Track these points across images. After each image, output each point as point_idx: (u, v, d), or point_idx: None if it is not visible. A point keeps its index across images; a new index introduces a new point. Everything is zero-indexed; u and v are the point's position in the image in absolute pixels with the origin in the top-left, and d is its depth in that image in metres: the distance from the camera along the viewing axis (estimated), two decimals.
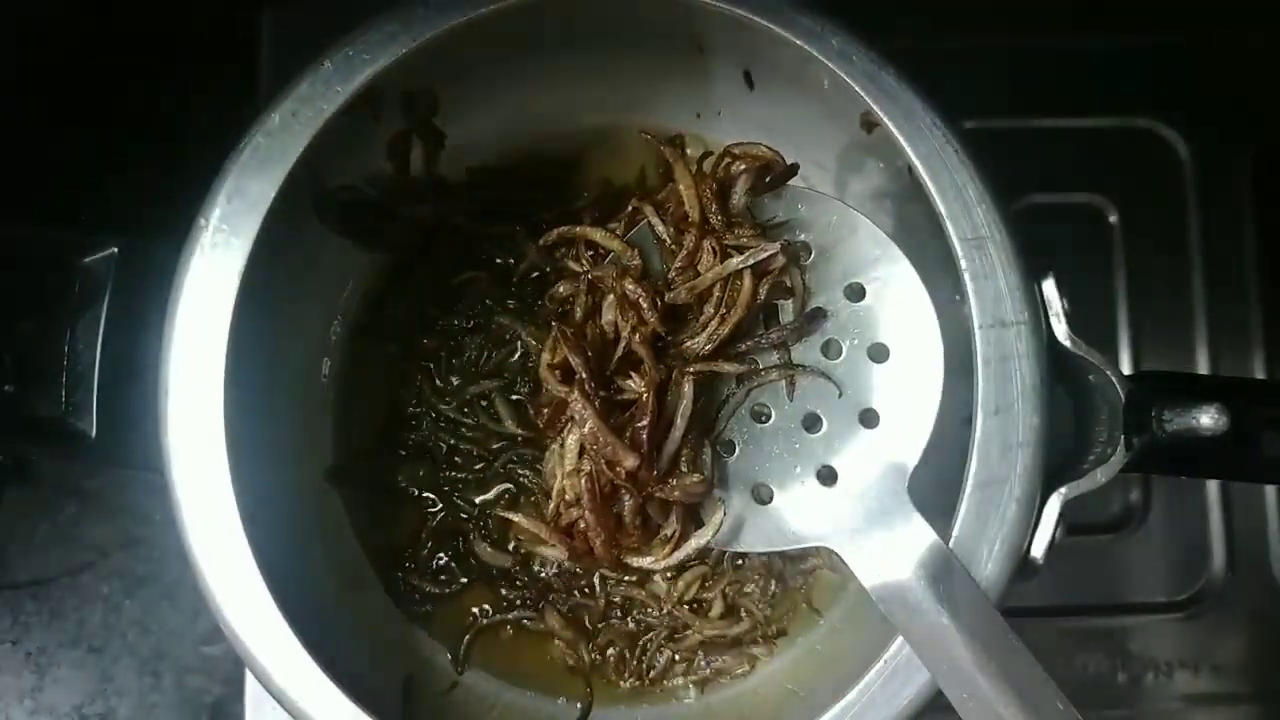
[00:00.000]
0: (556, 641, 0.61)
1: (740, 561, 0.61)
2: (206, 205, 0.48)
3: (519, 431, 0.61)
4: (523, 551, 0.61)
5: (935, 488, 0.57)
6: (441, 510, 0.61)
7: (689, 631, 0.60)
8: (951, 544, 0.47)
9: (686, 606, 0.60)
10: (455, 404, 0.61)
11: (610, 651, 0.61)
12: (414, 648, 0.60)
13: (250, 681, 0.62)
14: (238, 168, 0.49)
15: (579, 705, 0.59)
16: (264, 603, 0.47)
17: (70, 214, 0.70)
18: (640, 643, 0.61)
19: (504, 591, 0.61)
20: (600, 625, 0.61)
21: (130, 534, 0.69)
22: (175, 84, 0.72)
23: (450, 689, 0.59)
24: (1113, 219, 0.72)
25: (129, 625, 0.69)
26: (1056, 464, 0.49)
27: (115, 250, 0.53)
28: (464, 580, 0.61)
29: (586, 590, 0.61)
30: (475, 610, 0.61)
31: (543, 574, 0.61)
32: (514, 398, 0.61)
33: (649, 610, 0.61)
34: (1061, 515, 0.48)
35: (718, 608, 0.61)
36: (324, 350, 0.61)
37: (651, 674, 0.60)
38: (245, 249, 0.48)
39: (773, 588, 0.61)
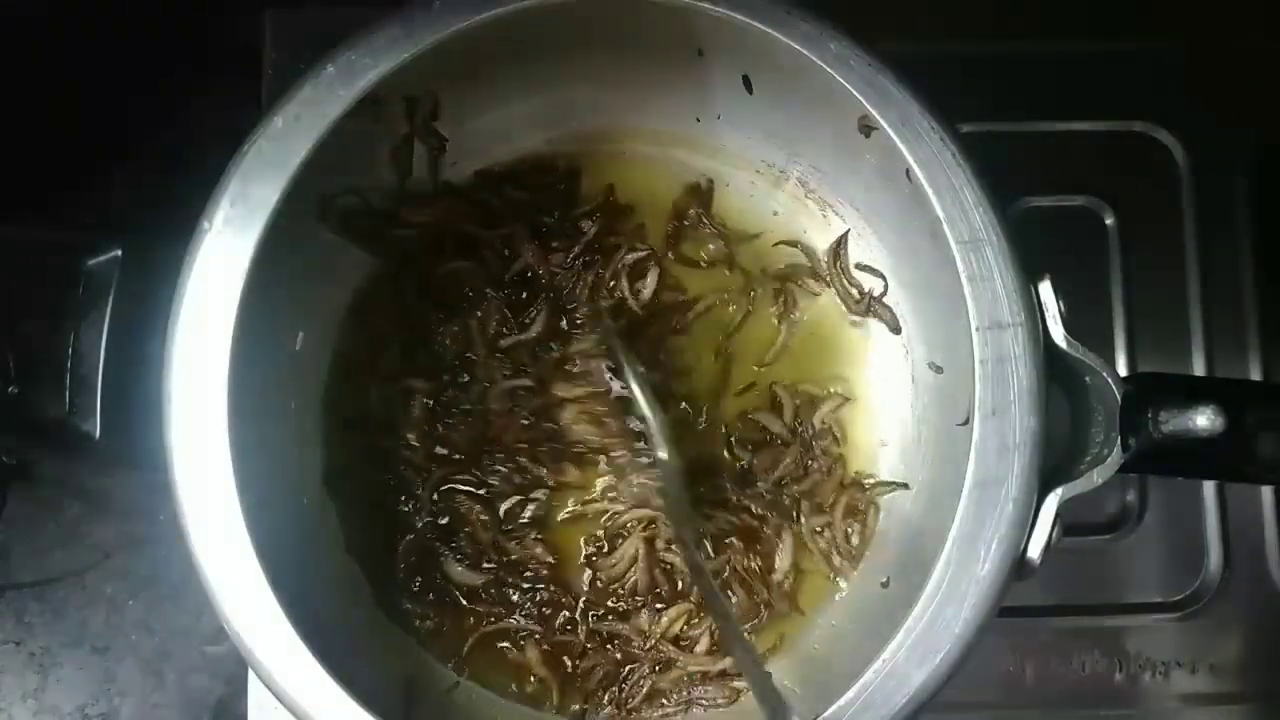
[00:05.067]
0: (532, 678, 0.60)
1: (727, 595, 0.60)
2: (210, 208, 0.49)
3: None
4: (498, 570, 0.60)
5: (934, 488, 0.57)
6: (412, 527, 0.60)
7: (674, 667, 0.59)
8: (949, 543, 0.47)
9: (671, 643, 0.59)
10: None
11: (593, 679, 0.59)
12: (415, 648, 0.60)
13: (253, 681, 0.63)
14: (241, 171, 0.49)
15: None
16: (267, 603, 0.47)
17: (74, 217, 0.70)
18: (622, 674, 0.59)
19: (480, 609, 0.60)
20: (579, 662, 0.60)
21: (134, 534, 0.69)
22: (178, 87, 0.72)
23: (452, 689, 0.59)
24: (1109, 222, 0.72)
25: (132, 625, 0.69)
26: (1053, 465, 0.49)
27: (119, 253, 0.54)
28: (443, 599, 0.60)
29: (568, 627, 0.60)
30: (461, 627, 0.60)
31: (513, 595, 0.60)
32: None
33: (632, 644, 0.60)
34: (1058, 516, 0.48)
35: (704, 644, 0.60)
36: (327, 352, 0.61)
37: (630, 705, 0.59)
38: (248, 252, 0.48)
39: (760, 614, 0.60)
